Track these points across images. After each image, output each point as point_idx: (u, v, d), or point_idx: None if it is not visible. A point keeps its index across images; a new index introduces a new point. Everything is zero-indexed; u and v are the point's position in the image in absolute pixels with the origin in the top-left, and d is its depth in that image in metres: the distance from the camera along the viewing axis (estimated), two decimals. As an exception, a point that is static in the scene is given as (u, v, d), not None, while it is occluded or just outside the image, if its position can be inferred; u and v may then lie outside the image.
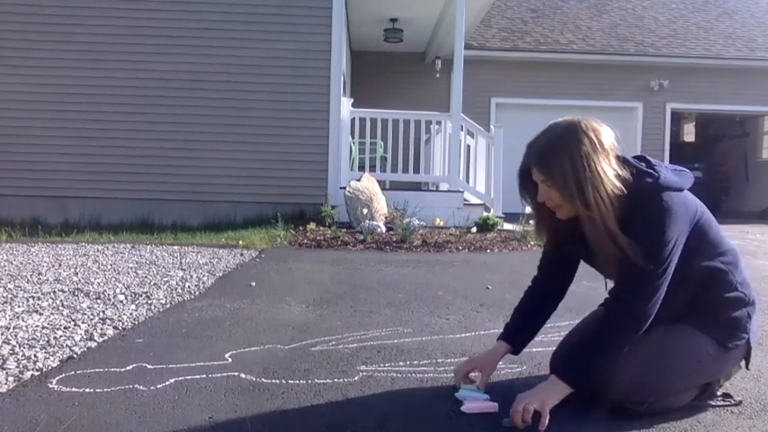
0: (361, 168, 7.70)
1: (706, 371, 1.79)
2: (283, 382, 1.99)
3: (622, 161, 1.74)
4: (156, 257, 4.64)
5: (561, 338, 2.06)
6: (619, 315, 1.70)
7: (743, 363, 1.86)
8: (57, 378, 1.97)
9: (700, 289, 1.77)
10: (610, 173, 1.67)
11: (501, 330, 2.01)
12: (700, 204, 1.79)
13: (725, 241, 1.83)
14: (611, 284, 1.81)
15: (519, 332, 1.97)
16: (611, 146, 1.71)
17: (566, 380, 1.67)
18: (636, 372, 1.68)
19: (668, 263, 1.67)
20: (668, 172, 1.75)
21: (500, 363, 1.99)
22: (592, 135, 1.69)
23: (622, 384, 1.68)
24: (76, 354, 2.26)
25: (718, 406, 1.83)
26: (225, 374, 2.04)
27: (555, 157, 1.69)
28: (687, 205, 1.74)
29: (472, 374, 1.93)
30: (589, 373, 1.67)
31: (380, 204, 6.66)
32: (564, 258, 1.96)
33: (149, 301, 3.17)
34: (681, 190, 1.75)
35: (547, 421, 1.61)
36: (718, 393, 1.86)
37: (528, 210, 6.39)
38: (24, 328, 2.58)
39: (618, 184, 1.68)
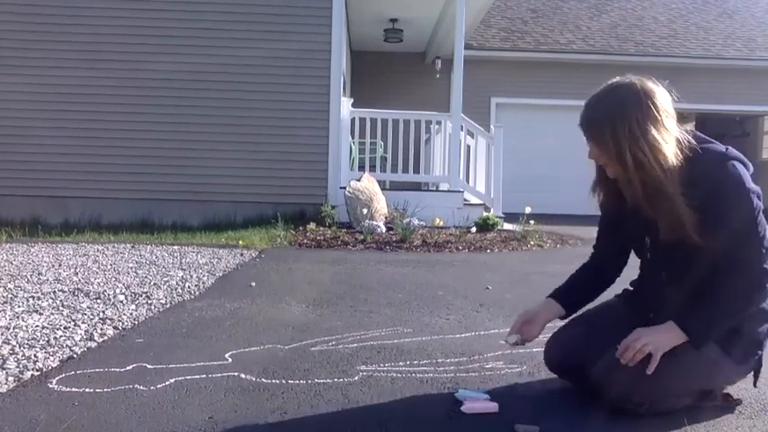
0: (361, 168, 7.70)
1: (709, 378, 1.76)
2: (283, 382, 1.99)
3: (694, 135, 1.73)
4: (156, 257, 4.64)
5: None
6: (738, 280, 1.67)
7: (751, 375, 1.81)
8: (57, 378, 1.97)
9: None
10: (658, 136, 1.64)
11: (501, 330, 2.00)
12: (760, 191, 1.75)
13: None
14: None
15: (571, 296, 1.99)
16: (664, 109, 1.68)
17: (693, 336, 1.65)
18: (637, 373, 1.66)
19: (761, 214, 1.64)
20: (734, 150, 1.74)
21: (500, 362, 1.99)
22: (643, 98, 1.66)
23: (623, 385, 1.67)
24: (76, 354, 2.25)
25: (719, 406, 1.82)
26: (225, 374, 2.03)
27: (598, 118, 1.70)
28: (750, 176, 1.72)
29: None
30: (713, 334, 1.67)
31: (380, 204, 6.66)
32: (618, 237, 1.96)
33: (149, 301, 3.17)
34: (746, 166, 1.73)
35: (654, 366, 1.63)
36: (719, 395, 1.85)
37: (528, 210, 6.43)
38: (24, 328, 2.58)
39: (668, 148, 1.66)
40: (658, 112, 1.67)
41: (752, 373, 1.80)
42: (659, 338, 1.65)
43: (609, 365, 1.70)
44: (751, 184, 1.68)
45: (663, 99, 1.70)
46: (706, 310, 1.68)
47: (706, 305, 1.68)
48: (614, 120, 1.67)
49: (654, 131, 1.65)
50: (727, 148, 1.73)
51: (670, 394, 1.73)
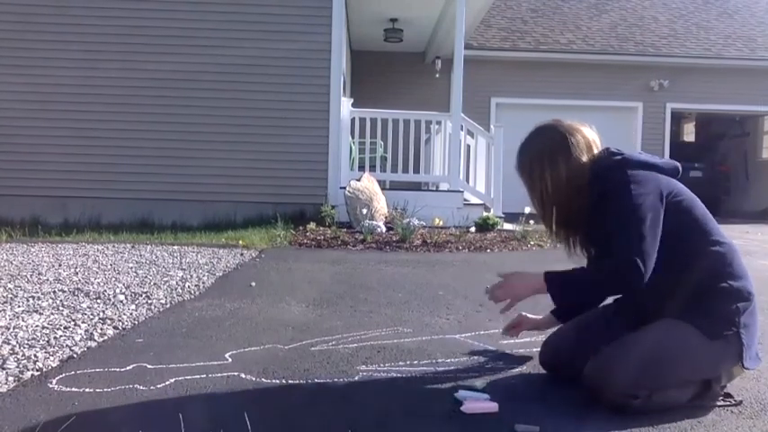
0: (361, 168, 7.69)
1: (692, 362, 1.76)
2: (283, 382, 1.99)
3: (602, 152, 1.92)
4: (156, 257, 4.64)
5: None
6: (608, 263, 1.80)
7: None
8: (57, 378, 1.97)
9: (685, 275, 1.79)
10: (563, 174, 1.88)
11: (500, 330, 2.16)
12: (679, 186, 1.88)
13: (717, 232, 1.86)
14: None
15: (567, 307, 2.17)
16: (583, 145, 1.89)
17: (548, 286, 1.82)
18: (629, 364, 1.71)
19: (643, 211, 1.75)
20: (639, 155, 1.90)
21: (500, 362, 2.00)
22: (566, 137, 1.89)
23: (611, 380, 1.71)
24: (76, 354, 2.26)
25: (719, 406, 1.82)
26: (225, 374, 2.03)
27: (522, 162, 1.99)
28: (653, 177, 1.84)
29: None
30: (566, 294, 1.86)
31: (380, 204, 6.66)
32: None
33: (149, 301, 3.17)
34: (649, 167, 1.86)
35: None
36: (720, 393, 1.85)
37: (528, 210, 6.48)
38: (24, 328, 2.58)
39: (571, 181, 1.88)
40: (569, 149, 1.89)
41: (740, 356, 1.78)
42: (519, 287, 1.90)
43: (599, 360, 1.77)
44: (638, 186, 1.79)
45: (581, 137, 1.91)
46: (572, 274, 1.84)
47: (576, 271, 1.85)
48: (532, 162, 1.97)
49: (561, 169, 1.89)
50: (623, 155, 1.88)
51: (661, 384, 1.74)
